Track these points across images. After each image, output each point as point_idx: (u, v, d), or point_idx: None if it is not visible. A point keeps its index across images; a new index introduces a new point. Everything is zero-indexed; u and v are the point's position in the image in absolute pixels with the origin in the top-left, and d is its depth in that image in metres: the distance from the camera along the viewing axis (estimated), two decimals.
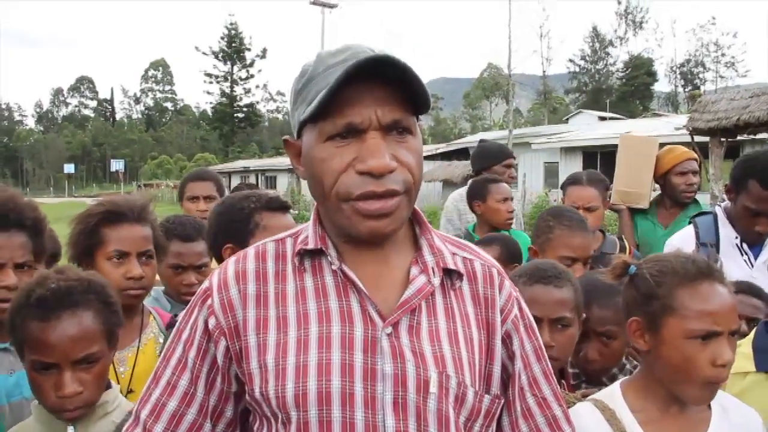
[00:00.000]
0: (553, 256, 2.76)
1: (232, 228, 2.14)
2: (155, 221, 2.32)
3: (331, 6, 38.70)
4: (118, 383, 2.14)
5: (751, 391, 1.81)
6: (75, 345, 1.72)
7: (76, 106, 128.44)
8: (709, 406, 1.70)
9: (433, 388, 1.25)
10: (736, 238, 2.93)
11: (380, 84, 1.22)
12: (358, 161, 1.23)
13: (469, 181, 4.36)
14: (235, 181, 46.47)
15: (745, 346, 1.95)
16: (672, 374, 1.65)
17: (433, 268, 1.34)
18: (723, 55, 70.56)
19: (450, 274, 1.36)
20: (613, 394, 1.74)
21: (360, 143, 1.23)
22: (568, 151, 28.21)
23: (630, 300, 1.73)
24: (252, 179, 46.82)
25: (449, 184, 31.25)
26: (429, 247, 1.37)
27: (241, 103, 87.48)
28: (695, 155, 4.02)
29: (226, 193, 5.76)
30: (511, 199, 4.03)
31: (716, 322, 1.59)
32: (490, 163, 4.55)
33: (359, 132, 1.23)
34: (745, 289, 2.32)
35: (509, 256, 3.16)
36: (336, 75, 1.20)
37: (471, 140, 40.19)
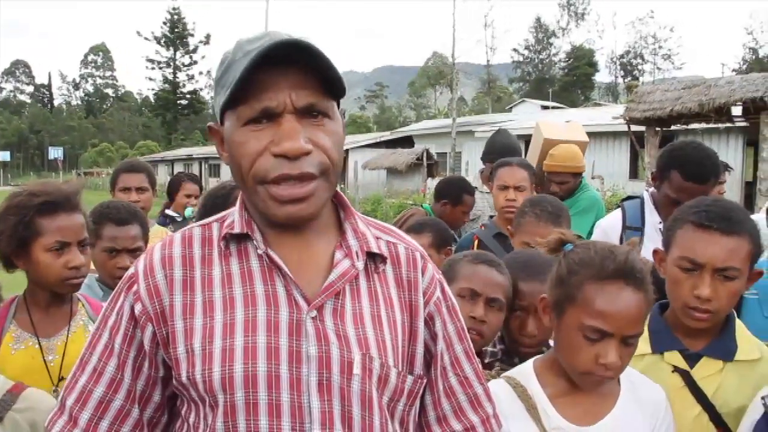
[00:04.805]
0: (519, 239, 2.87)
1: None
2: (85, 208, 2.30)
3: None
4: (48, 372, 2.13)
5: (648, 372, 1.87)
6: None
7: (11, 92, 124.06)
8: (619, 381, 1.77)
9: (357, 370, 1.28)
10: (660, 223, 3.04)
11: (295, 69, 1.24)
12: (273, 144, 1.24)
13: (443, 179, 4.63)
14: (178, 168, 45.69)
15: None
16: (562, 356, 1.74)
17: (356, 252, 1.36)
18: (660, 47, 72.27)
19: (374, 258, 1.39)
20: (525, 371, 1.80)
21: (276, 127, 1.25)
22: None
23: (553, 276, 1.78)
24: (195, 167, 46.16)
25: (393, 172, 31.34)
26: (353, 231, 1.39)
27: (185, 90, 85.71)
28: (568, 165, 4.34)
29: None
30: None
31: (610, 324, 1.62)
32: (492, 160, 4.70)
33: (275, 116, 1.25)
34: None
35: (441, 242, 3.24)
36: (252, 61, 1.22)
37: (415, 128, 40.32)
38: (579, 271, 1.69)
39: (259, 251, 1.33)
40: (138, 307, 1.34)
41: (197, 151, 52.90)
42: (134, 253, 2.71)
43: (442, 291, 1.47)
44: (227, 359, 1.26)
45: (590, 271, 1.67)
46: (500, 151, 4.79)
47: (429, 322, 1.43)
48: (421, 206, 4.80)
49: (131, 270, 1.39)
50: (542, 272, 2.13)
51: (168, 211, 5.91)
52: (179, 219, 5.69)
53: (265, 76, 1.23)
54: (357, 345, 1.30)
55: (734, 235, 1.85)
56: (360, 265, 1.36)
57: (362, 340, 1.31)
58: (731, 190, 14.98)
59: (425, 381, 1.43)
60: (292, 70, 1.24)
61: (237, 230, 1.35)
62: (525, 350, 2.19)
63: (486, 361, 2.16)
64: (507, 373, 1.84)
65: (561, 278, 1.73)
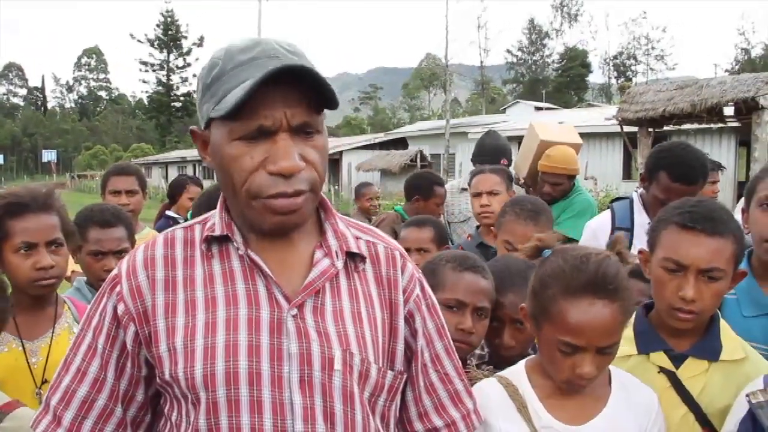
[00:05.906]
0: (501, 239, 2.88)
1: None
2: (62, 208, 2.28)
3: None
4: (32, 374, 2.12)
5: (634, 372, 1.85)
6: None
7: (4, 94, 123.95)
8: (610, 382, 1.77)
9: (338, 366, 1.30)
10: (649, 224, 3.04)
11: (290, 87, 1.25)
12: (269, 162, 1.26)
13: (409, 177, 4.75)
14: (172, 171, 45.67)
15: (627, 329, 2.03)
16: (544, 363, 1.75)
17: (336, 252, 1.38)
18: (653, 48, 72.53)
19: (353, 257, 1.41)
20: (517, 371, 1.80)
21: (270, 144, 1.26)
22: None
23: (529, 287, 1.78)
24: (189, 170, 46.10)
25: (387, 174, 31.36)
26: (333, 231, 1.41)
27: (178, 92, 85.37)
28: (564, 167, 4.35)
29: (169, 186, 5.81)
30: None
31: (581, 339, 1.61)
32: (482, 161, 4.72)
33: (269, 133, 1.26)
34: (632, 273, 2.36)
35: (441, 238, 3.26)
36: (246, 74, 1.24)
37: (409, 130, 40.34)
38: (550, 284, 1.68)
39: (240, 252, 1.35)
40: (121, 308, 1.35)
41: (191, 153, 52.69)
42: (120, 255, 2.71)
43: (422, 289, 1.49)
44: (209, 356, 1.28)
45: (560, 285, 1.65)
46: (490, 152, 4.81)
47: (409, 319, 1.45)
48: (393, 209, 4.84)
49: (115, 271, 1.41)
50: (517, 283, 2.12)
51: (170, 213, 5.91)
52: (182, 221, 5.68)
53: (260, 94, 1.23)
54: (337, 341, 1.32)
55: (718, 236, 1.85)
56: (339, 264, 1.38)
57: (342, 336, 1.33)
58: (724, 190, 15.04)
59: (405, 377, 1.45)
60: (286, 87, 1.25)
61: (217, 232, 1.36)
62: (509, 357, 2.18)
63: (474, 363, 2.15)
64: (500, 373, 1.84)
65: (535, 291, 1.73)
